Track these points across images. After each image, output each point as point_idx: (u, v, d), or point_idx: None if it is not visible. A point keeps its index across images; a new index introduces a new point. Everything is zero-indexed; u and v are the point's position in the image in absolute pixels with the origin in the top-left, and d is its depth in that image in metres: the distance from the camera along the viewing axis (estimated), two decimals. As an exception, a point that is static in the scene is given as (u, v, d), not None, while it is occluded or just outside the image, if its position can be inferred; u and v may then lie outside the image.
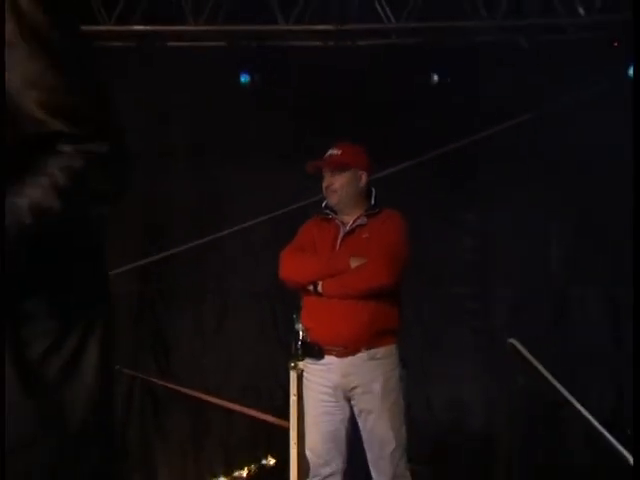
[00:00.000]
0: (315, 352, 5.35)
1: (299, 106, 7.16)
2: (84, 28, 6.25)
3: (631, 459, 4.86)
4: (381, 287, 5.18)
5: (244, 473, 6.36)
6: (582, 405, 5.58)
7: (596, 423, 5.54)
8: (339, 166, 5.34)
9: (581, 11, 6.67)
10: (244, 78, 7.25)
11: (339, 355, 5.25)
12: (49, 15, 2.11)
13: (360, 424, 5.30)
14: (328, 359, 5.28)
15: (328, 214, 5.42)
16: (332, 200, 5.37)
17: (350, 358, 5.22)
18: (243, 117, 7.26)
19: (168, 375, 7.35)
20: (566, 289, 7.25)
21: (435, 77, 7.07)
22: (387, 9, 6.93)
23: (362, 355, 5.20)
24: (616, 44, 6.89)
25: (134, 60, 7.32)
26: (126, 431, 7.40)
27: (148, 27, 7.05)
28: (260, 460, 6.52)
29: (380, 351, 5.21)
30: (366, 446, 5.29)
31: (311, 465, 5.43)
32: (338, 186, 5.33)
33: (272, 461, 6.44)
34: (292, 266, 5.41)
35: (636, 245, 3.26)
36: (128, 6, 6.90)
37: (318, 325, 5.33)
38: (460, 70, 7.07)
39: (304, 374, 5.48)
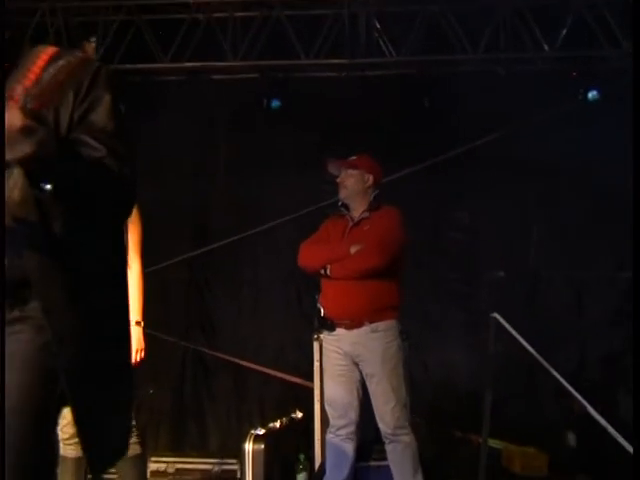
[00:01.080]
0: (328, 325, 5.41)
1: (317, 125, 7.19)
2: (146, 66, 6.44)
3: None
4: (374, 267, 5.20)
5: (277, 424, 6.27)
6: (552, 366, 5.63)
7: (563, 381, 5.56)
8: (350, 166, 5.39)
9: (546, 47, 6.69)
10: (273, 103, 7.31)
11: (347, 328, 5.30)
12: (118, 91, 2.38)
13: (367, 385, 5.34)
14: (339, 331, 5.34)
15: (342, 212, 5.47)
16: (342, 194, 5.45)
17: (356, 330, 5.27)
18: (272, 135, 7.29)
19: (214, 346, 7.39)
20: (538, 272, 7.23)
21: (427, 101, 7.10)
22: (389, 46, 7.04)
23: (365, 328, 5.25)
24: (575, 73, 6.96)
25: (186, 90, 7.39)
26: (182, 391, 7.50)
27: (197, 64, 7.12)
28: (290, 414, 6.46)
29: (381, 325, 5.25)
30: (373, 403, 5.33)
31: (330, 418, 5.49)
32: (348, 183, 5.40)
33: (299, 415, 6.39)
34: (306, 255, 5.47)
35: (636, 246, 3.20)
36: (180, 47, 6.97)
37: (330, 303, 5.39)
38: (449, 95, 6.98)
39: (323, 344, 5.56)
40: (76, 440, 4.55)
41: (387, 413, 5.28)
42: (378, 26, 7.07)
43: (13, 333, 2.30)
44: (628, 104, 6.46)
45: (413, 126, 7.13)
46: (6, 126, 2.05)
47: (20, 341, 2.30)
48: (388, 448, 5.37)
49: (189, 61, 7.08)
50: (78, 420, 2.32)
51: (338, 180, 5.46)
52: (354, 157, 5.47)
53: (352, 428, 5.40)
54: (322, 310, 5.51)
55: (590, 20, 6.54)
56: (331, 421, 5.49)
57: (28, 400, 2.28)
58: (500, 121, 7.01)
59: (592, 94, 6.90)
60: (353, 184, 5.41)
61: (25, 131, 2.05)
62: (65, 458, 4.64)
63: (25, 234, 2.28)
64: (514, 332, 5.34)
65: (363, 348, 5.29)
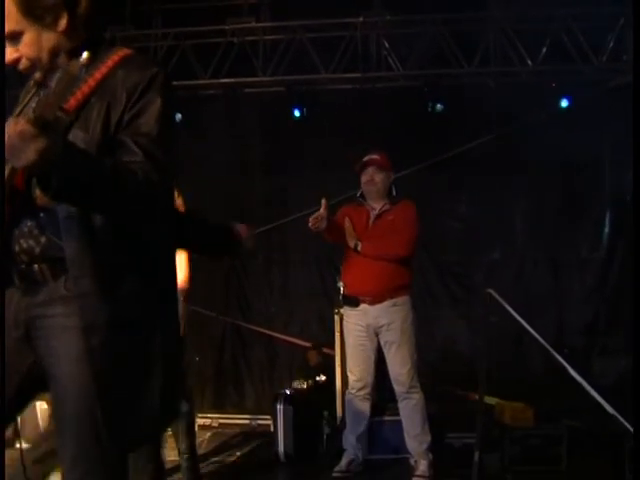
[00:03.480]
0: (352, 302, 5.54)
1: (335, 130, 7.25)
2: (190, 82, 6.45)
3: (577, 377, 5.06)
4: (403, 256, 5.39)
5: (304, 386, 6.37)
6: (537, 334, 5.73)
7: (547, 345, 5.59)
8: (380, 166, 5.51)
9: (529, 62, 6.82)
10: (297, 112, 7.37)
11: (370, 303, 5.44)
12: (170, 95, 2.29)
13: (385, 352, 5.49)
14: (362, 306, 5.47)
15: (361, 202, 5.58)
16: (372, 189, 5.53)
17: (378, 305, 5.42)
18: (297, 139, 7.40)
19: (249, 320, 7.49)
20: (524, 254, 7.30)
21: (429, 108, 7.11)
22: (396, 61, 7.13)
23: (387, 303, 5.41)
24: (554, 84, 7.05)
25: (223, 102, 7.54)
26: (223, 358, 7.60)
27: (232, 79, 7.25)
28: (315, 377, 6.53)
29: (399, 300, 5.41)
30: (390, 367, 5.48)
31: (350, 381, 5.69)
32: (378, 180, 5.51)
33: (323, 378, 6.46)
34: None
35: (636, 247, 3.22)
36: (217, 66, 7.16)
37: (355, 282, 5.50)
38: (448, 103, 7.14)
39: (344, 317, 5.70)
40: None
41: (403, 375, 5.42)
42: (387, 45, 7.16)
43: (55, 315, 2.23)
44: (597, 110, 6.69)
45: (417, 130, 7.14)
46: (6, 133, 1.94)
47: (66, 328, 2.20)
48: (401, 405, 5.52)
49: (225, 77, 7.20)
50: (99, 399, 2.19)
51: (366, 178, 5.52)
52: (377, 156, 5.52)
53: (368, 389, 5.58)
54: (343, 289, 5.62)
55: (566, 40, 6.67)
56: (351, 383, 5.66)
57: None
58: (491, 126, 7.10)
59: (565, 102, 6.98)
60: (382, 180, 5.52)
61: (23, 137, 1.92)
62: None
63: (64, 216, 2.18)
64: (506, 305, 5.36)
65: (385, 320, 5.42)
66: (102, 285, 2.19)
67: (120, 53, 2.30)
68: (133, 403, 2.25)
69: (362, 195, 5.61)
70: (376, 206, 5.55)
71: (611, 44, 6.68)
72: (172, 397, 2.39)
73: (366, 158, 5.58)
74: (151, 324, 2.28)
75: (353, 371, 5.63)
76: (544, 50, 6.76)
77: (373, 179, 5.52)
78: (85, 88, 2.23)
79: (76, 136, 2.18)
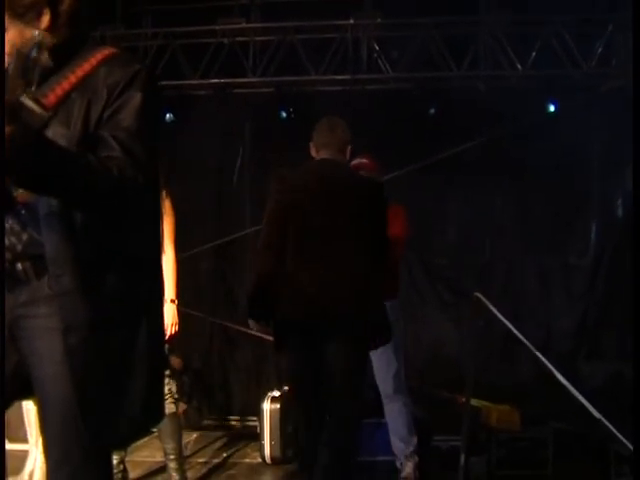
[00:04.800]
0: None
1: None
2: (179, 82, 6.45)
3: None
4: (393, 258, 5.18)
5: None
6: (525, 338, 5.75)
7: (534, 349, 5.63)
8: (369, 171, 5.35)
9: (519, 66, 6.83)
10: (284, 114, 7.38)
11: None
12: (153, 92, 2.30)
13: (371, 355, 5.21)
14: None
15: None
16: None
17: None
18: (285, 140, 7.24)
19: (237, 321, 7.27)
20: (513, 259, 7.33)
21: (423, 110, 7.16)
22: (386, 64, 7.11)
23: None
24: (543, 89, 7.03)
25: (212, 103, 7.52)
26: (209, 359, 7.59)
27: (222, 80, 7.22)
28: None
29: (387, 304, 5.06)
30: (376, 370, 5.42)
31: None
32: None
33: None
34: None
35: (636, 251, 3.19)
36: (207, 66, 7.13)
37: None
38: (438, 106, 7.18)
39: None
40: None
41: (389, 378, 5.39)
42: (377, 48, 7.14)
43: (38, 316, 2.22)
44: (586, 115, 6.72)
45: (407, 133, 7.13)
46: None
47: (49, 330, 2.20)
48: (387, 407, 5.48)
49: (215, 78, 7.18)
50: (80, 401, 2.19)
51: None
52: (365, 160, 5.44)
53: None
54: None
55: (556, 45, 6.69)
56: None
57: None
58: (481, 129, 7.12)
59: (553, 107, 7.02)
60: None
61: None
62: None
63: (45, 213, 2.18)
64: (493, 309, 5.37)
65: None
66: (83, 283, 2.18)
67: (105, 52, 2.30)
68: (115, 405, 2.25)
69: None
70: None
71: (600, 49, 6.70)
72: (156, 398, 2.39)
73: (354, 162, 5.43)
74: (134, 324, 2.27)
75: None
76: (534, 55, 6.77)
77: None
78: (65, 84, 2.24)
79: (57, 132, 2.18)
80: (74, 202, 2.15)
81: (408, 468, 5.44)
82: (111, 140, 2.18)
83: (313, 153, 4.66)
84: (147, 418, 2.35)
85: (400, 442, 5.48)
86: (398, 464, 5.55)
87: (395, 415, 5.48)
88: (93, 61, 2.27)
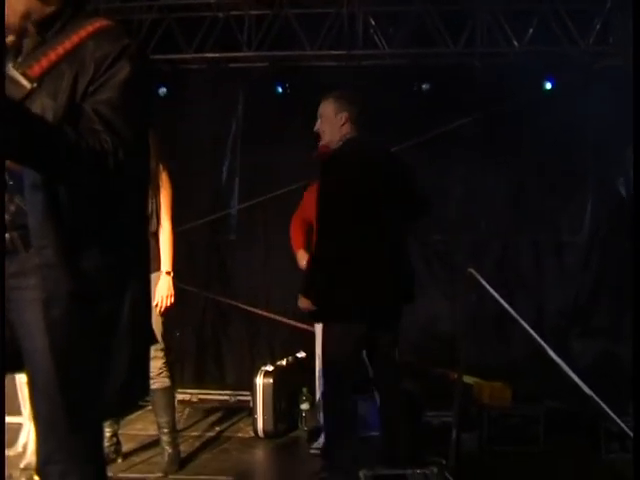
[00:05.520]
0: None
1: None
2: (174, 56, 6.41)
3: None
4: None
5: (284, 362, 6.37)
6: (518, 315, 5.74)
7: (527, 326, 5.64)
8: None
9: (515, 43, 6.81)
10: (279, 88, 7.39)
11: None
12: (141, 67, 2.26)
13: None
14: None
15: None
16: None
17: None
18: (280, 115, 7.32)
19: (230, 296, 7.45)
20: (506, 236, 7.31)
21: (419, 87, 7.14)
22: (382, 40, 7.09)
23: None
24: (539, 66, 6.97)
25: (207, 77, 7.49)
26: (203, 334, 7.60)
27: (216, 54, 7.21)
28: (295, 353, 6.55)
29: None
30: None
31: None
32: None
33: (303, 354, 6.46)
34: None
35: (636, 249, 3.19)
36: (202, 40, 7.11)
37: None
38: (434, 83, 7.17)
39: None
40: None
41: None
42: (373, 23, 7.12)
43: (27, 288, 2.22)
44: (582, 93, 6.69)
45: (402, 109, 7.10)
46: None
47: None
48: None
49: (210, 52, 7.16)
50: (61, 373, 2.19)
51: None
52: None
53: None
54: None
55: (553, 22, 6.67)
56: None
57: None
58: (476, 106, 7.08)
59: (549, 85, 6.99)
60: None
61: None
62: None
63: (29, 184, 2.16)
64: (486, 285, 5.22)
65: None
66: (66, 256, 2.17)
67: (96, 24, 2.28)
68: (98, 378, 2.24)
69: None
70: None
71: (597, 27, 6.68)
72: (141, 373, 2.39)
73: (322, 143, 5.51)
74: (118, 297, 2.26)
75: None
76: (531, 31, 6.75)
77: None
78: (52, 55, 2.22)
79: (44, 104, 2.16)
80: (54, 174, 2.12)
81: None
82: (92, 113, 2.16)
83: (344, 126, 4.65)
84: (132, 391, 2.35)
85: None
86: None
87: None
88: (83, 33, 2.24)
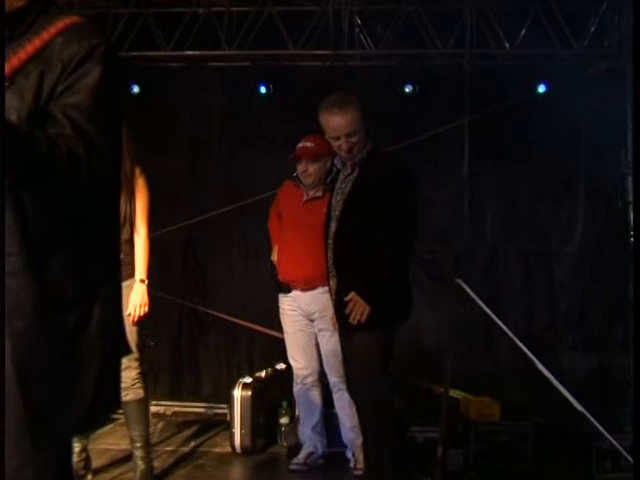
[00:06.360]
0: (285, 289, 5.63)
1: (302, 110, 6.86)
2: (151, 53, 6.40)
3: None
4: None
5: (263, 374, 6.37)
6: (505, 325, 5.74)
7: (515, 339, 5.65)
8: (315, 156, 5.47)
9: (507, 45, 6.77)
10: (263, 89, 7.30)
11: (302, 290, 5.50)
12: (112, 68, 2.22)
13: (319, 339, 5.54)
14: (294, 293, 5.53)
15: (297, 183, 5.61)
16: (307, 181, 5.52)
17: (310, 292, 5.45)
18: (261, 117, 7.30)
19: (207, 304, 7.42)
20: (495, 245, 7.28)
21: (407, 88, 7.10)
22: (369, 39, 7.05)
23: (319, 289, 5.36)
24: (531, 69, 6.93)
25: (186, 75, 7.44)
26: (179, 344, 7.54)
27: (195, 52, 7.13)
28: (274, 365, 6.53)
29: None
30: (323, 356, 5.53)
31: (294, 370, 5.70)
32: (312, 171, 5.49)
33: (283, 366, 6.40)
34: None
35: (636, 247, 3.19)
36: (181, 37, 7.02)
37: (287, 266, 5.55)
38: (421, 85, 7.11)
39: (279, 305, 5.71)
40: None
41: (336, 365, 5.38)
42: (359, 22, 7.06)
43: None
44: (574, 98, 6.71)
45: (388, 111, 7.05)
46: None
47: None
48: (336, 396, 5.55)
49: (189, 49, 7.09)
50: (25, 386, 2.15)
51: (301, 169, 5.52)
52: (308, 142, 5.50)
53: (316, 376, 5.63)
54: (277, 275, 5.69)
55: (546, 23, 6.62)
56: (296, 372, 5.69)
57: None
58: (465, 109, 7.06)
59: (542, 88, 6.95)
60: (316, 171, 5.51)
61: None
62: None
63: None
64: (474, 296, 5.37)
65: (316, 307, 5.44)
66: (32, 264, 2.14)
67: (66, 21, 2.23)
68: (64, 392, 2.21)
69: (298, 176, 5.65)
70: (310, 192, 5.56)
71: (592, 28, 6.64)
72: (112, 384, 2.37)
73: (300, 145, 5.56)
74: (86, 307, 2.23)
75: (296, 358, 5.68)
76: (522, 32, 6.72)
77: (307, 170, 5.51)
78: (22, 54, 2.17)
79: (9, 103, 2.09)
80: (24, 182, 2.07)
81: (360, 459, 5.42)
82: (62, 117, 2.13)
83: (367, 135, 4.90)
84: (100, 405, 2.31)
85: (351, 432, 5.50)
86: (349, 455, 5.60)
87: (343, 404, 5.49)
88: (52, 30, 2.20)
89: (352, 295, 4.64)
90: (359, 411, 4.95)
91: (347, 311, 4.65)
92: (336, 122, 4.77)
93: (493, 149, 7.16)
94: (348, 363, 4.95)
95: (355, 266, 4.69)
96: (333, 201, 4.92)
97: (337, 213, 4.83)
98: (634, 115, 3.01)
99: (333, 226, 4.83)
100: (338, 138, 4.78)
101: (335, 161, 5.08)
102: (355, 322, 4.63)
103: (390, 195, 4.67)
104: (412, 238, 4.83)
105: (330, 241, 4.84)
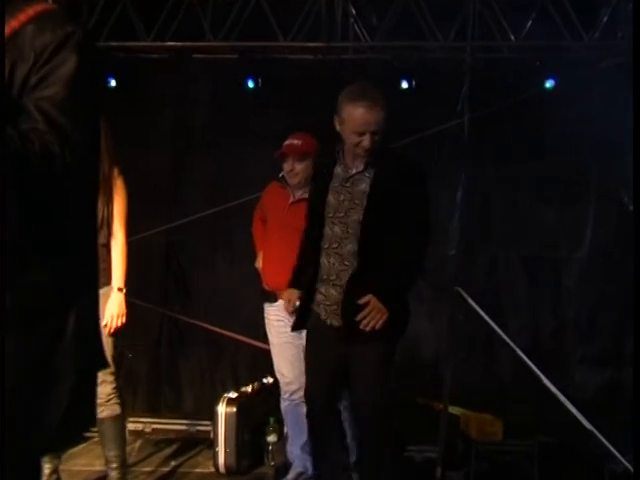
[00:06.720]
0: (271, 298, 5.59)
1: (292, 106, 7.14)
2: (129, 44, 6.40)
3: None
4: None
5: (249, 389, 6.33)
6: (508, 336, 5.75)
7: (519, 351, 5.70)
8: (301, 155, 5.43)
9: (512, 37, 6.73)
10: (250, 83, 7.26)
11: None
12: (88, 57, 2.21)
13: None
14: (281, 302, 5.39)
15: (283, 184, 5.58)
16: (294, 181, 5.49)
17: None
18: (248, 113, 7.27)
19: (190, 313, 7.38)
20: (496, 251, 7.28)
21: (404, 84, 7.08)
22: (364, 31, 7.01)
23: None
24: (538, 62, 7.02)
25: (167, 68, 7.37)
26: (158, 355, 7.52)
27: (178, 43, 7.05)
28: (261, 379, 6.49)
29: None
30: None
31: (281, 384, 5.64)
32: (299, 170, 5.44)
33: (270, 380, 6.36)
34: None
35: (636, 247, 3.27)
36: (163, 27, 6.95)
37: (273, 274, 5.51)
38: (419, 78, 7.10)
39: (265, 314, 5.66)
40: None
41: None
42: (354, 12, 7.03)
43: None
44: (584, 93, 6.72)
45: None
46: None
47: None
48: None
49: (171, 40, 7.02)
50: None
51: (288, 168, 5.49)
52: (295, 140, 5.49)
53: (303, 392, 5.41)
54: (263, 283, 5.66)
55: (554, 13, 6.59)
56: (283, 387, 5.63)
57: None
58: (466, 105, 6.87)
59: (550, 83, 6.95)
60: (303, 170, 5.46)
61: None
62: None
63: None
64: (475, 305, 5.47)
65: None
66: (5, 269, 2.12)
67: (37, 7, 2.22)
68: (36, 407, 2.20)
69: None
70: (297, 193, 5.54)
71: (604, 19, 6.61)
72: (86, 399, 2.37)
73: (286, 143, 5.54)
74: (61, 315, 2.23)
75: (283, 372, 5.62)
76: (529, 24, 6.69)
77: (293, 169, 5.49)
78: None
79: None
80: None
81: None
82: (34, 111, 2.12)
83: None
84: (74, 420, 2.30)
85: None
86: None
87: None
88: (22, 17, 2.19)
89: (370, 297, 4.53)
90: (361, 427, 4.89)
91: (361, 316, 4.53)
92: (366, 117, 4.63)
93: (496, 149, 7.15)
94: (352, 375, 4.80)
95: (371, 272, 4.60)
96: (333, 201, 4.77)
97: (342, 214, 4.70)
98: (634, 115, 2.98)
99: (337, 229, 4.70)
100: (362, 134, 4.63)
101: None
102: (369, 329, 4.52)
103: (409, 196, 4.65)
104: (428, 243, 4.77)
105: (333, 245, 4.70)
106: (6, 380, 2.12)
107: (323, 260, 4.72)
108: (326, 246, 4.71)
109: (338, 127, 4.72)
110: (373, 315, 4.50)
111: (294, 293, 4.96)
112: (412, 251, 4.66)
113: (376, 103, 4.67)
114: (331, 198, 4.75)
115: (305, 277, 4.86)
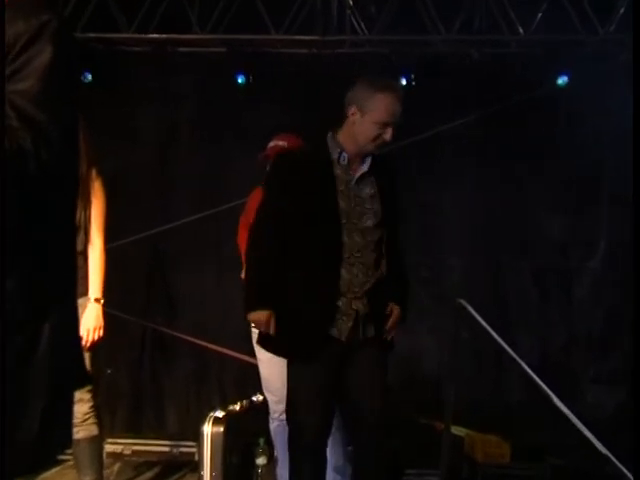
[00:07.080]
0: None
1: (285, 102, 7.17)
2: (110, 35, 6.41)
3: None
4: None
5: (237, 407, 6.26)
6: (515, 353, 5.72)
7: (527, 367, 5.67)
8: None
9: (521, 30, 6.74)
10: (240, 78, 7.30)
11: None
12: (65, 48, 2.21)
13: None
14: None
15: None
16: None
17: None
18: (238, 110, 7.29)
19: (174, 326, 7.35)
20: (500, 260, 7.29)
21: (403, 80, 7.04)
22: (361, 23, 7.03)
23: None
24: (549, 58, 6.96)
25: (151, 62, 7.37)
26: (140, 371, 7.49)
27: (162, 35, 7.07)
28: (250, 397, 6.42)
29: None
30: None
31: (270, 404, 5.56)
32: None
33: (260, 398, 6.23)
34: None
35: (636, 249, 3.31)
36: (145, 17, 6.95)
37: None
38: (421, 74, 7.11)
39: (252, 330, 5.43)
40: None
41: None
42: (351, 3, 7.05)
43: None
44: (598, 91, 6.72)
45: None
46: None
47: None
48: None
49: (155, 32, 7.03)
50: None
51: None
52: (280, 141, 5.46)
53: None
54: None
55: (566, 4, 6.60)
56: (271, 407, 5.55)
57: None
58: (471, 104, 7.09)
59: (562, 80, 6.97)
60: None
61: None
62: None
63: None
64: (480, 319, 5.33)
65: None
66: None
67: None
68: (8, 425, 2.16)
69: None
70: None
71: (621, 11, 6.62)
72: (61, 419, 2.36)
73: (271, 144, 5.53)
74: (35, 328, 2.21)
75: (272, 391, 5.52)
76: (539, 16, 6.70)
77: None
78: None
79: None
80: None
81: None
82: (7, 107, 2.10)
83: None
84: (48, 440, 2.29)
85: (335, 473, 5.32)
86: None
87: (332, 442, 5.20)
88: None
89: (395, 306, 4.61)
90: (359, 444, 4.77)
91: (390, 325, 4.60)
92: (395, 107, 4.52)
93: (502, 150, 7.15)
94: (359, 387, 4.66)
95: (388, 278, 4.61)
96: (345, 207, 4.56)
97: (356, 221, 4.55)
98: (634, 115, 2.96)
99: (357, 237, 4.55)
100: (386, 125, 4.51)
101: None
102: (389, 338, 4.63)
103: (397, 196, 4.70)
104: None
105: (356, 255, 4.54)
106: None
107: (343, 272, 4.53)
108: (347, 256, 4.52)
109: (353, 118, 4.57)
110: (393, 324, 4.62)
111: (265, 314, 4.65)
112: (402, 252, 4.75)
113: (401, 95, 4.62)
114: (342, 203, 4.56)
115: (275, 294, 4.65)
